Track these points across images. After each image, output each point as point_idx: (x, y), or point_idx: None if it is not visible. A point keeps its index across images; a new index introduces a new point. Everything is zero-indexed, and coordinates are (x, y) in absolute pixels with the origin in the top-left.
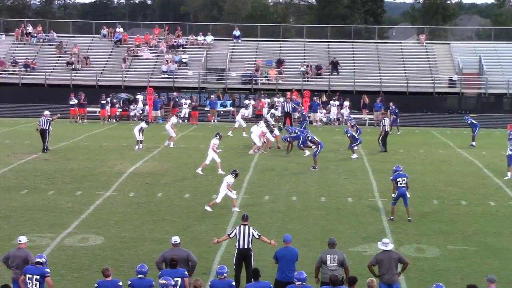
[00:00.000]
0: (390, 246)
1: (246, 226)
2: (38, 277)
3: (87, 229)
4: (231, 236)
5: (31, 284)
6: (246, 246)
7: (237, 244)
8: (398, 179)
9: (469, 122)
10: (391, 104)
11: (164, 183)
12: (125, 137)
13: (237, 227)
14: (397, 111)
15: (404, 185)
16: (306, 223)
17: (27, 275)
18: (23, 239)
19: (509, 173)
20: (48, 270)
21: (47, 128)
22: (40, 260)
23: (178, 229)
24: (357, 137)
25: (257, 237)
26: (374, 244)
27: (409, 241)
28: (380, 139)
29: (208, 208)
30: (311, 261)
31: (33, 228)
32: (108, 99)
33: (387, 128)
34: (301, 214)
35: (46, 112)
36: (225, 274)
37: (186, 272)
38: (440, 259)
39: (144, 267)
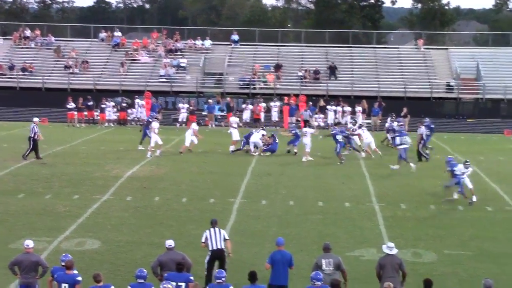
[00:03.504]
0: (395, 251)
1: (217, 228)
2: (67, 285)
3: (84, 233)
4: (202, 240)
5: None
6: (219, 246)
7: (210, 245)
8: None
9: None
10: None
11: (161, 187)
12: (122, 141)
13: (207, 230)
14: (432, 126)
15: None
16: (303, 228)
17: (55, 276)
18: (30, 243)
19: (397, 165)
20: (79, 279)
21: None
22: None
23: (175, 233)
24: (340, 140)
25: (227, 237)
26: (371, 249)
27: (406, 246)
28: (420, 148)
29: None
30: (308, 266)
31: (30, 232)
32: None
33: (424, 137)
34: (298, 219)
35: None
36: (223, 279)
37: (192, 277)
38: (437, 264)
39: (144, 271)
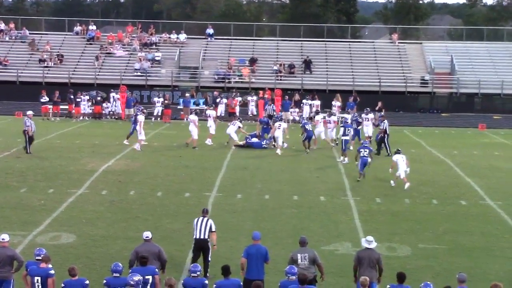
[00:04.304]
0: (373, 245)
1: (205, 218)
2: (39, 278)
3: (59, 227)
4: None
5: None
6: (202, 236)
7: (194, 234)
8: None
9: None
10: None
11: (136, 181)
12: (98, 135)
13: (196, 219)
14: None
15: None
16: (279, 222)
17: (28, 269)
18: (5, 237)
19: (342, 157)
20: (52, 272)
21: None
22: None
23: (151, 227)
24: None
25: (213, 229)
26: (346, 242)
27: (381, 240)
28: (385, 140)
29: None
30: (283, 260)
31: (4, 226)
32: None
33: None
34: (273, 213)
35: None
36: (198, 273)
37: (157, 269)
38: (411, 257)
39: (119, 265)
